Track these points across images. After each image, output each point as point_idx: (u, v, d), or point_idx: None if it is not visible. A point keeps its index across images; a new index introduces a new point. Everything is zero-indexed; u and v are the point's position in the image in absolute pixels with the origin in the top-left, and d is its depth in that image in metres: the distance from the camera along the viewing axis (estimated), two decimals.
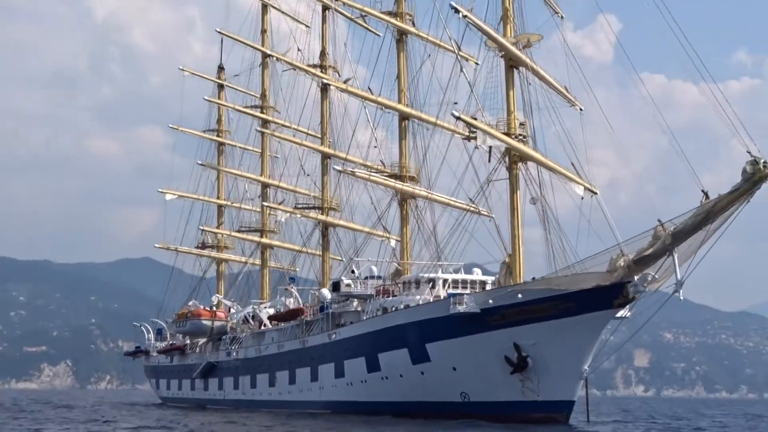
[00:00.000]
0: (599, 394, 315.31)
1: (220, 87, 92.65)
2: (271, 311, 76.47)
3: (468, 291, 53.45)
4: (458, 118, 52.32)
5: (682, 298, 44.03)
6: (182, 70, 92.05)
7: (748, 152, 39.91)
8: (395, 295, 57.59)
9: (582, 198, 53.91)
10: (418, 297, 55.29)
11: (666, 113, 38.49)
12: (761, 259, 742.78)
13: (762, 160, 39.28)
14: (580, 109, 56.68)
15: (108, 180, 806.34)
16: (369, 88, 67.13)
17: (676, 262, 43.03)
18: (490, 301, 49.69)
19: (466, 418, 50.03)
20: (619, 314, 48.04)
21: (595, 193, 54.38)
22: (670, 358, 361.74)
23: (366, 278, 62.67)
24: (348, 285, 61.91)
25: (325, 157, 72.04)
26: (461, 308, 49.68)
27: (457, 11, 52.08)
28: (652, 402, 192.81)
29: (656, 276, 44.87)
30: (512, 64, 54.81)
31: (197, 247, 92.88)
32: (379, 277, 62.67)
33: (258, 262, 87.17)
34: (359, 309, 60.78)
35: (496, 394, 50.22)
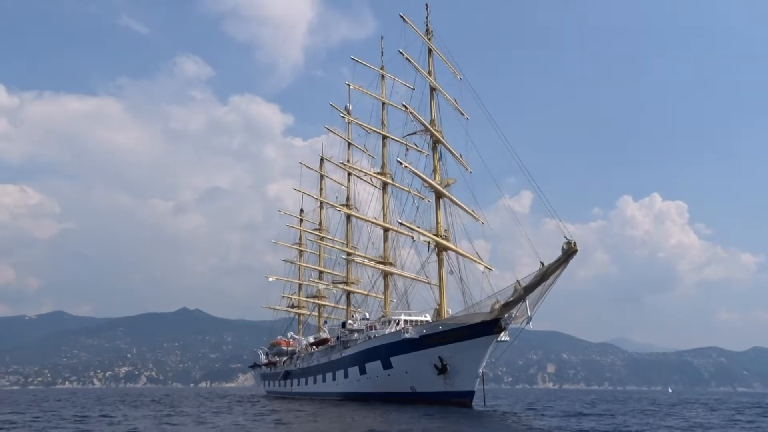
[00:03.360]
0: (529, 387, 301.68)
1: (300, 220, 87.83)
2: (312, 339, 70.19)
3: (413, 326, 46.54)
4: (401, 224, 46.89)
5: (531, 327, 37.24)
6: (279, 211, 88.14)
7: (565, 237, 34.63)
8: (377, 329, 51.01)
9: (483, 271, 47.18)
10: (387, 330, 48.74)
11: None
12: (614, 314, 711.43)
13: (573, 242, 34.20)
14: (482, 223, 50.52)
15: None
16: (375, 217, 61.95)
17: (528, 305, 36.78)
18: (424, 330, 43.21)
19: (414, 403, 42.93)
20: (501, 339, 41.10)
21: (491, 270, 47.90)
22: (566, 367, 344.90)
23: (361, 319, 56.21)
24: (350, 324, 55.60)
25: (348, 254, 66.21)
26: (407, 335, 43.56)
27: (404, 166, 47.25)
28: (556, 392, 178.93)
29: (517, 314, 38.21)
30: (439, 195, 49.12)
31: (288, 307, 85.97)
32: (368, 319, 56.01)
33: (316, 313, 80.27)
34: (357, 338, 53.82)
35: (430, 387, 43.15)
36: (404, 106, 47.66)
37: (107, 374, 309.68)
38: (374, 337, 48.90)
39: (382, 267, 57.13)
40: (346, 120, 65.11)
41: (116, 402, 51.38)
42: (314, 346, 66.71)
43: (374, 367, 47.62)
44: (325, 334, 66.49)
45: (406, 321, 49.03)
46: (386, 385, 46.67)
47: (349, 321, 56.22)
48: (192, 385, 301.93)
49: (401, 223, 46.46)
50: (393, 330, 47.77)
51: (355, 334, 54.37)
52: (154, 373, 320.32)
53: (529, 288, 36.32)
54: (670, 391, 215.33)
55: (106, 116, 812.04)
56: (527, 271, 37.28)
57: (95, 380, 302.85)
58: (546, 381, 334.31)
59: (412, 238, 47.58)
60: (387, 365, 46.13)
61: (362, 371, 49.43)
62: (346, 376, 52.77)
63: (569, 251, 34.29)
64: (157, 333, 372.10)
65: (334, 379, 56.04)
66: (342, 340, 56.27)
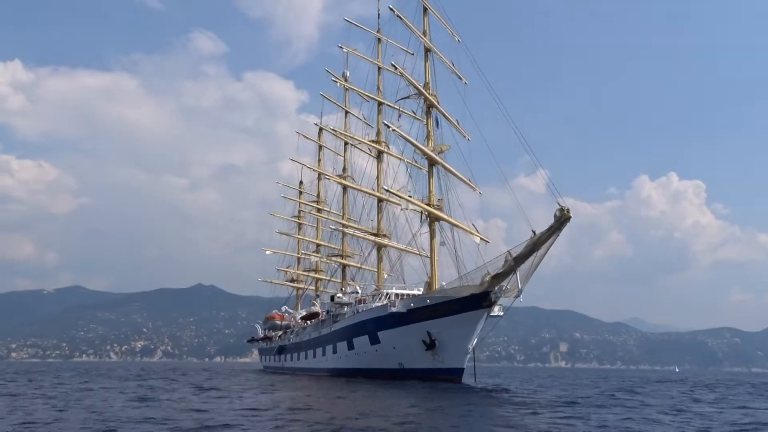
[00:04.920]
0: (541, 365, 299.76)
1: (300, 192, 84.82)
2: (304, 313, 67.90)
3: (402, 299, 43.87)
4: (388, 191, 43.99)
5: (522, 300, 34.57)
6: (277, 183, 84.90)
7: (558, 203, 31.67)
8: (366, 302, 48.56)
9: (478, 244, 44.12)
10: (376, 304, 46.22)
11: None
12: (627, 294, 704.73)
13: (566, 208, 31.35)
14: (479, 193, 47.49)
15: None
16: (372, 188, 58.92)
17: (518, 277, 34.10)
18: (412, 304, 40.69)
19: (401, 379, 40.80)
20: (494, 313, 38.56)
21: (487, 242, 44.86)
22: (579, 346, 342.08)
23: (351, 293, 53.72)
24: (340, 297, 53.20)
25: (343, 225, 63.32)
26: (394, 309, 41.09)
27: (392, 129, 44.12)
28: (567, 371, 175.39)
29: (508, 287, 35.47)
30: (432, 163, 46.04)
31: (287, 281, 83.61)
32: (357, 293, 53.43)
33: (313, 287, 77.71)
34: (346, 312, 51.33)
35: (418, 363, 40.76)
36: (393, 65, 44.37)
37: (123, 348, 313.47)
38: (362, 311, 46.41)
39: (373, 239, 54.40)
40: (339, 84, 61.89)
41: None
42: (306, 321, 64.63)
43: (362, 342, 45.20)
44: (316, 308, 64.30)
45: (396, 295, 46.39)
46: (374, 361, 44.29)
47: (339, 294, 53.76)
48: (206, 359, 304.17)
49: (389, 191, 43.48)
50: (382, 303, 45.25)
51: (345, 308, 51.97)
52: (169, 348, 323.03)
53: (520, 258, 33.56)
54: (677, 370, 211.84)
55: (121, 92, 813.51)
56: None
57: (112, 354, 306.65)
58: (558, 360, 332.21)
59: (400, 207, 44.70)
60: (375, 340, 43.68)
61: (350, 346, 47.07)
62: (335, 351, 50.49)
63: (562, 218, 31.45)
64: (172, 308, 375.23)
65: (323, 354, 53.83)
66: (332, 314, 53.94)
